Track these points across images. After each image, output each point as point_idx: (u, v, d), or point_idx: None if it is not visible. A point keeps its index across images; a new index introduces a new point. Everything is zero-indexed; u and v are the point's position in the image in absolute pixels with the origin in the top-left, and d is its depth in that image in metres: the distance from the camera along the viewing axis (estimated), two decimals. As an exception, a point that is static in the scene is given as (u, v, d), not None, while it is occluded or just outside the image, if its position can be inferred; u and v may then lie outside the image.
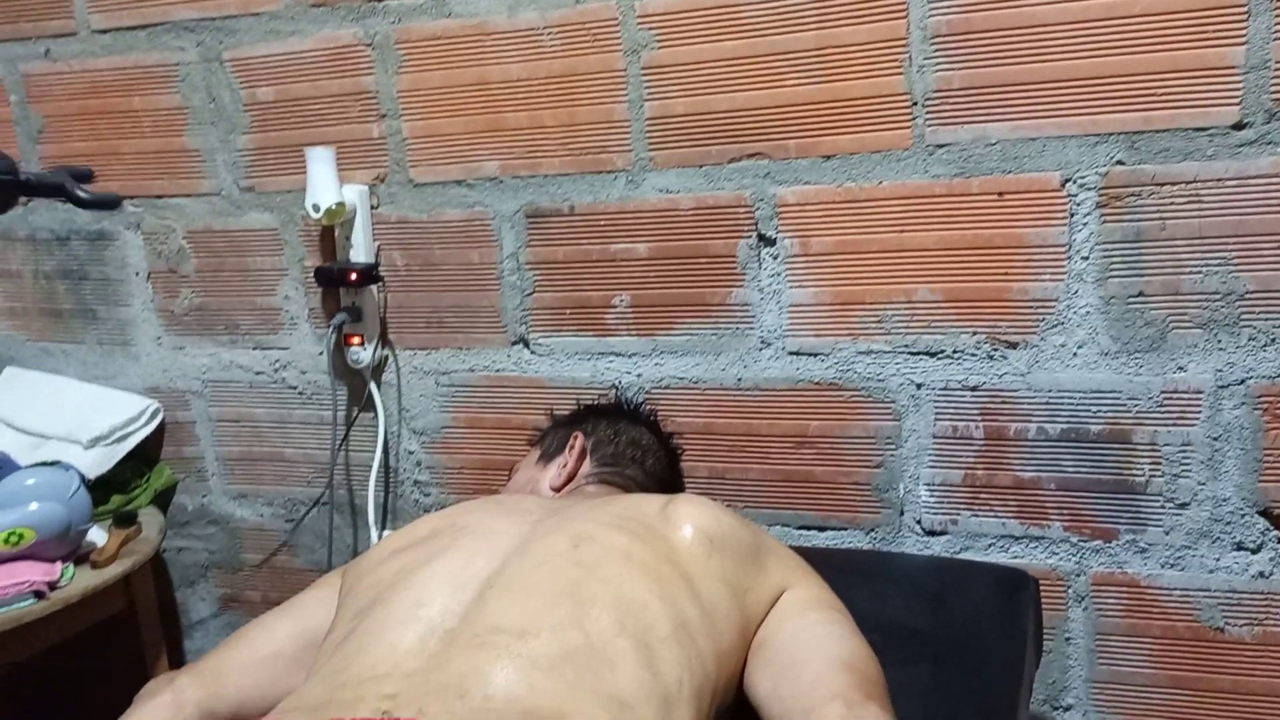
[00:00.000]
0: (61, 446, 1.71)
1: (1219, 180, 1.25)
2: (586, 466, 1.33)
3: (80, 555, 1.52)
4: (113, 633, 1.63)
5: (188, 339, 1.79)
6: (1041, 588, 1.33)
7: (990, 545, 1.42)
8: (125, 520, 1.62)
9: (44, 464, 1.56)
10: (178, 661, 1.87)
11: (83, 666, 1.84)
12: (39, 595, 1.41)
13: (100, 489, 1.67)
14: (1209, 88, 1.23)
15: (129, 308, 1.81)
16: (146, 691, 1.01)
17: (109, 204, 0.92)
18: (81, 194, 0.90)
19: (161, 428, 1.83)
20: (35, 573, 1.41)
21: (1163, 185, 1.26)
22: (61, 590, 1.44)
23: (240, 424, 1.79)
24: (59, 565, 1.46)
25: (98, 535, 1.58)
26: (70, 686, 1.90)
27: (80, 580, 1.48)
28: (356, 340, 1.64)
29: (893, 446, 1.43)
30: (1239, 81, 1.22)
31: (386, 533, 1.57)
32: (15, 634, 1.38)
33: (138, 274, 1.79)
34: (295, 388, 1.74)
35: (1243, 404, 1.28)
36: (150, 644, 1.67)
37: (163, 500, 1.83)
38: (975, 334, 1.37)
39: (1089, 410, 1.34)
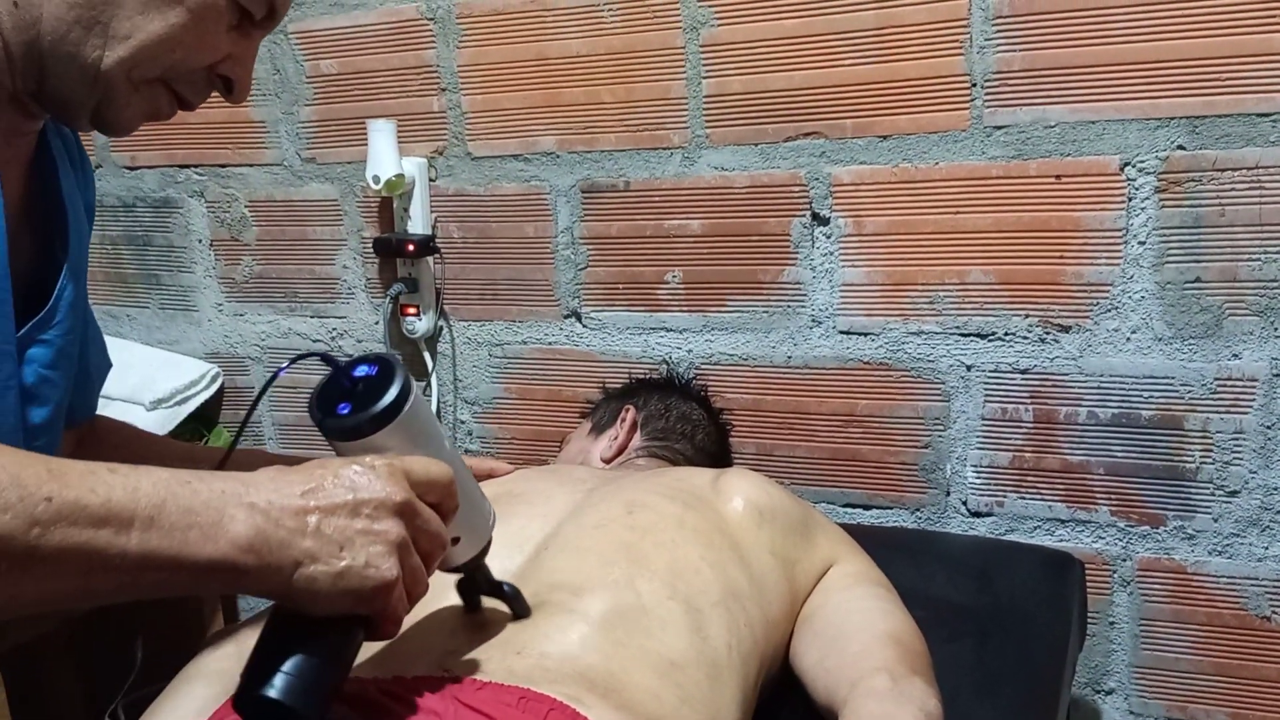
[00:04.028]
0: (125, 407, 1.76)
1: (1281, 167, 1.24)
2: (637, 440, 1.35)
3: (144, 513, 1.57)
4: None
5: (248, 306, 1.83)
6: (1087, 571, 1.33)
7: (1036, 528, 1.42)
8: (186, 480, 1.67)
9: (110, 424, 1.60)
10: (232, 618, 1.92)
11: (143, 622, 1.90)
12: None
13: (162, 450, 1.72)
14: (1273, 73, 1.22)
15: (191, 274, 1.86)
16: (209, 641, 1.04)
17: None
18: None
19: (221, 392, 1.87)
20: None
21: (1224, 171, 1.26)
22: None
23: (297, 390, 1.83)
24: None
25: (160, 494, 1.63)
26: (132, 640, 1.96)
27: (144, 537, 1.52)
28: (412, 310, 1.67)
29: (941, 427, 1.44)
30: (1305, 67, 1.21)
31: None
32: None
33: (200, 241, 1.84)
34: (352, 355, 1.77)
35: (1298, 393, 1.28)
36: (207, 601, 1.71)
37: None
38: (1028, 317, 1.37)
39: (1141, 396, 1.34)
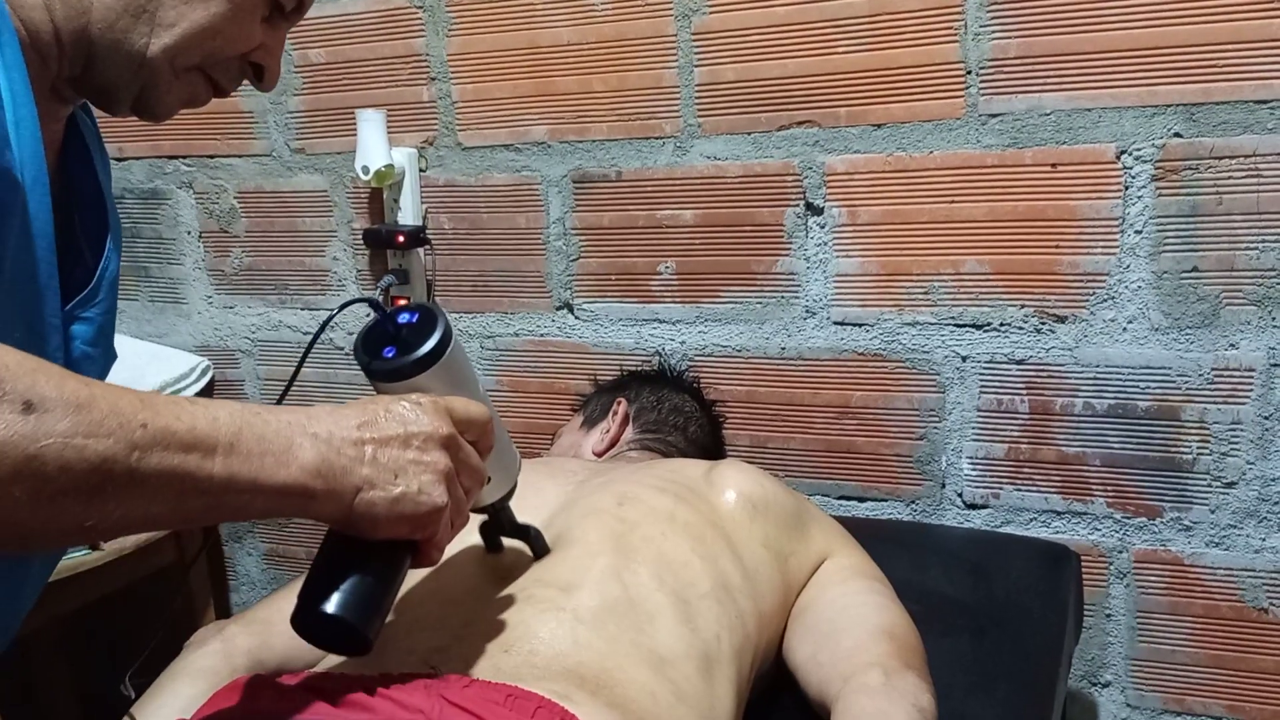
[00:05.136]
0: (114, 401, 1.75)
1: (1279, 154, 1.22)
2: (629, 432, 1.34)
3: (132, 507, 1.56)
4: (162, 585, 1.66)
5: (238, 298, 1.82)
6: (1083, 564, 1.32)
7: (1032, 520, 1.41)
8: (175, 474, 1.65)
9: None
10: (224, 614, 1.91)
11: (133, 618, 1.89)
12: (94, 545, 1.44)
13: (151, 444, 1.70)
14: (1271, 60, 1.20)
15: (181, 266, 1.84)
16: (196, 639, 1.03)
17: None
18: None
19: (211, 385, 1.86)
20: (89, 523, 1.45)
21: (1221, 159, 1.24)
22: (114, 541, 1.48)
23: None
24: (112, 516, 1.50)
25: (149, 488, 1.61)
26: (121, 637, 1.95)
27: (132, 532, 1.51)
28: (403, 303, 1.66)
29: (936, 419, 1.43)
30: (1303, 53, 1.19)
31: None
32: (72, 582, 1.42)
33: (189, 233, 1.82)
34: (342, 348, 1.76)
35: (1296, 383, 1.27)
36: (198, 596, 1.70)
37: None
38: (1023, 307, 1.36)
39: (1137, 386, 1.33)
